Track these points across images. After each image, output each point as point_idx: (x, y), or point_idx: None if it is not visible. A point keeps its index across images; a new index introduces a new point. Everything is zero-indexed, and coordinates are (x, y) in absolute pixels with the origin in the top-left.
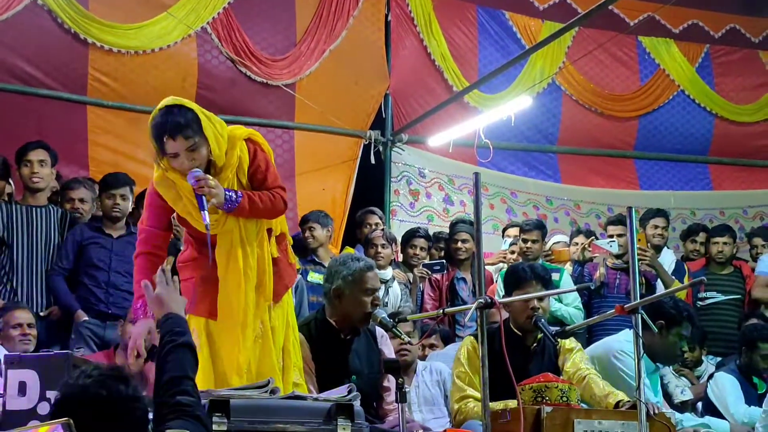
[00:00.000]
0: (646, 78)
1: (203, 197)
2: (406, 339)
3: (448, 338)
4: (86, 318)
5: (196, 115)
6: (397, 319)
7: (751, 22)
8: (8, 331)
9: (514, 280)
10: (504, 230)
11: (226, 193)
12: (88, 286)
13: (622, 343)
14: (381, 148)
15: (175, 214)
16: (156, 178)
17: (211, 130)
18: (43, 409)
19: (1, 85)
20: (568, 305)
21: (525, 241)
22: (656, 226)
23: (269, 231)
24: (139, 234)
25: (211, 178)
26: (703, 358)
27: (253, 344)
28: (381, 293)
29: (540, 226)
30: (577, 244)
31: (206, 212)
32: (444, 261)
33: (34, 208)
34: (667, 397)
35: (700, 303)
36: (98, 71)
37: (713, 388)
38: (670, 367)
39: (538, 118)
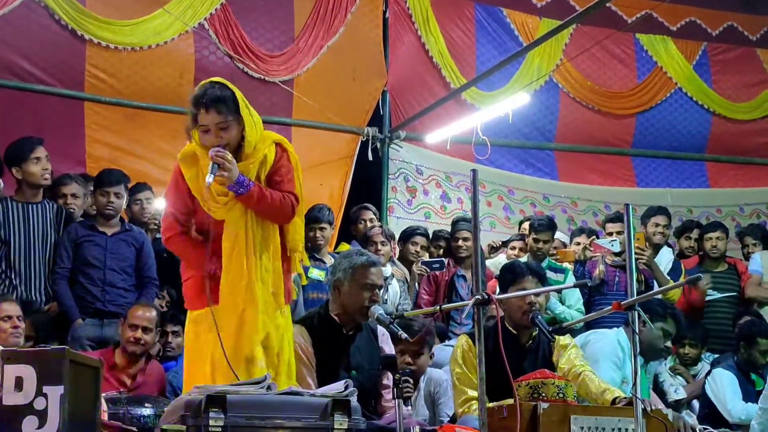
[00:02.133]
0: (643, 75)
1: (216, 165)
2: (403, 336)
3: (443, 335)
4: (83, 323)
5: (235, 96)
6: (394, 316)
7: (748, 20)
8: None
9: (510, 276)
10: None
11: (240, 176)
12: (84, 285)
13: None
14: (378, 145)
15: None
16: (182, 153)
17: (247, 114)
18: (40, 404)
19: None
20: (571, 307)
21: (536, 240)
22: (657, 224)
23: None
24: (164, 218)
25: (230, 156)
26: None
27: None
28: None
29: (551, 226)
30: (579, 243)
31: (213, 176)
32: (443, 259)
33: (30, 205)
34: (662, 395)
35: None
36: (95, 67)
37: (711, 385)
38: (666, 365)
39: (535, 115)
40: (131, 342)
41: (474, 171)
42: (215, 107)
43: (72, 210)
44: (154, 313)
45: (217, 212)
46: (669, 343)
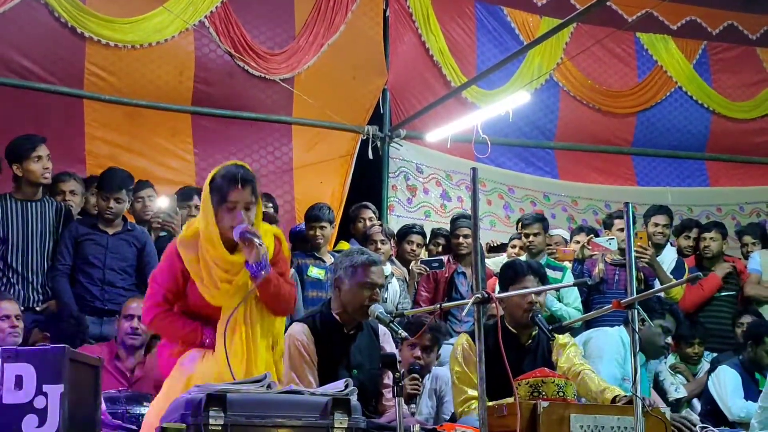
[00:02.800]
0: (643, 74)
1: (248, 233)
2: (403, 335)
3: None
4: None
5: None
6: (394, 315)
7: (749, 19)
8: None
9: (511, 275)
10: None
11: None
12: (83, 284)
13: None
14: (379, 144)
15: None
16: (181, 237)
17: (259, 203)
18: (40, 402)
19: None
20: (569, 305)
21: (527, 235)
22: (657, 224)
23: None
24: (150, 287)
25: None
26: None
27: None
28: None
29: (539, 219)
30: (578, 242)
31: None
32: (442, 258)
33: (29, 203)
34: (663, 393)
35: None
36: (95, 65)
37: (714, 382)
38: (666, 363)
39: (535, 114)
40: (128, 333)
41: (474, 169)
42: (250, 185)
43: (71, 207)
44: None
45: (216, 298)
46: (669, 340)
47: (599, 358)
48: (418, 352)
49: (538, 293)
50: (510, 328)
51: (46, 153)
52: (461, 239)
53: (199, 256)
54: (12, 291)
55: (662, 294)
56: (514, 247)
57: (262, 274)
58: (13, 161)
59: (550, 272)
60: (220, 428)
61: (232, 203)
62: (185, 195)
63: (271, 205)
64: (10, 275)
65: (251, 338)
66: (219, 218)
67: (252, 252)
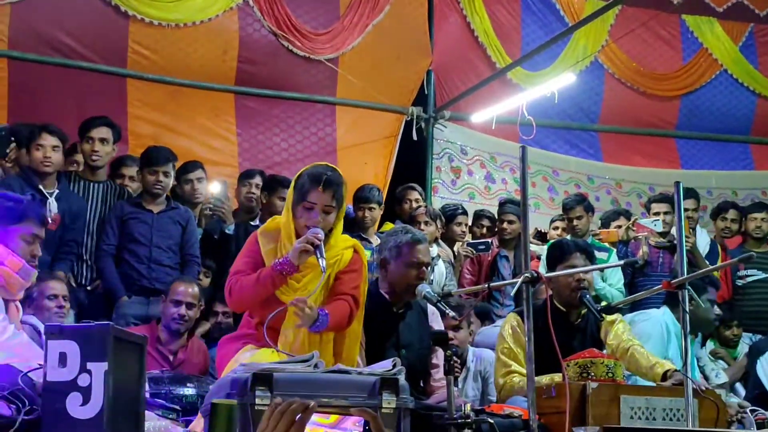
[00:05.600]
0: (688, 57)
1: (321, 248)
2: (451, 314)
3: (484, 315)
4: (128, 300)
5: (345, 188)
6: (441, 294)
7: None
8: (43, 301)
9: (558, 254)
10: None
11: (319, 315)
12: (130, 262)
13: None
14: (423, 125)
15: None
16: (263, 228)
17: (343, 209)
18: (84, 380)
19: (42, 58)
20: (612, 286)
21: (570, 219)
22: (686, 209)
23: None
24: (230, 282)
25: (310, 303)
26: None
27: None
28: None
29: (581, 201)
30: (619, 226)
31: (323, 259)
32: (489, 240)
33: (92, 183)
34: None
35: (741, 281)
36: (138, 44)
37: (762, 365)
38: (706, 349)
39: (580, 96)
40: (175, 319)
41: (523, 147)
42: (333, 189)
43: (129, 192)
44: (196, 288)
45: (285, 293)
46: (718, 310)
47: (645, 341)
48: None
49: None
50: (559, 306)
51: (99, 136)
52: (506, 225)
53: (277, 249)
54: (66, 268)
55: None
56: (556, 228)
57: (318, 328)
58: (18, 147)
59: (596, 253)
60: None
61: (309, 203)
62: (248, 174)
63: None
64: (66, 253)
65: (314, 337)
66: (296, 215)
67: (302, 319)
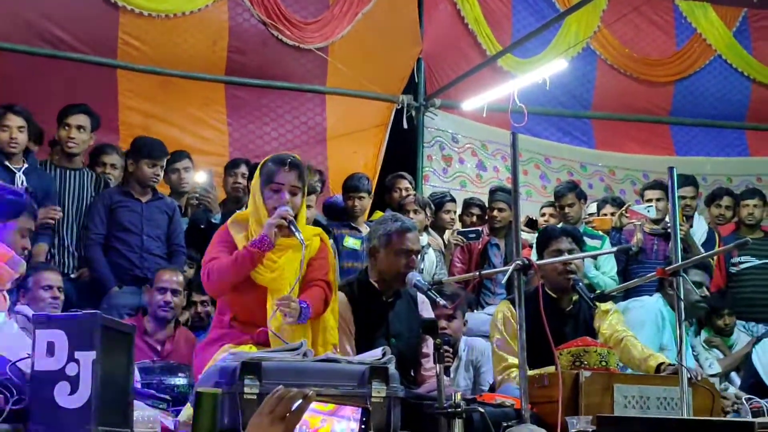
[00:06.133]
0: (682, 42)
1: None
2: (441, 302)
3: (473, 305)
4: (119, 290)
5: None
6: (432, 283)
7: None
8: (37, 292)
9: (544, 239)
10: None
11: (302, 308)
12: (120, 251)
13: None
14: (413, 113)
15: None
16: (232, 219)
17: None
18: (72, 369)
19: (32, 48)
20: (605, 274)
21: (561, 207)
22: (684, 197)
23: None
24: (205, 269)
25: (294, 303)
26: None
27: None
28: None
29: (572, 188)
30: (606, 214)
31: (299, 232)
32: (479, 229)
33: (68, 171)
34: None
35: (734, 269)
36: (128, 35)
37: (758, 353)
38: (701, 338)
39: (572, 83)
40: (161, 306)
41: (513, 134)
42: (297, 170)
43: (109, 180)
44: (181, 277)
45: (264, 275)
46: (706, 292)
47: (639, 328)
48: (442, 323)
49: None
50: (550, 293)
51: (76, 123)
52: (496, 212)
53: (248, 236)
54: (48, 241)
55: None
56: (543, 215)
57: (304, 320)
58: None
59: (588, 241)
60: (256, 397)
61: (277, 185)
62: (233, 164)
63: (317, 179)
64: (45, 228)
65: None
66: (265, 198)
67: (291, 315)
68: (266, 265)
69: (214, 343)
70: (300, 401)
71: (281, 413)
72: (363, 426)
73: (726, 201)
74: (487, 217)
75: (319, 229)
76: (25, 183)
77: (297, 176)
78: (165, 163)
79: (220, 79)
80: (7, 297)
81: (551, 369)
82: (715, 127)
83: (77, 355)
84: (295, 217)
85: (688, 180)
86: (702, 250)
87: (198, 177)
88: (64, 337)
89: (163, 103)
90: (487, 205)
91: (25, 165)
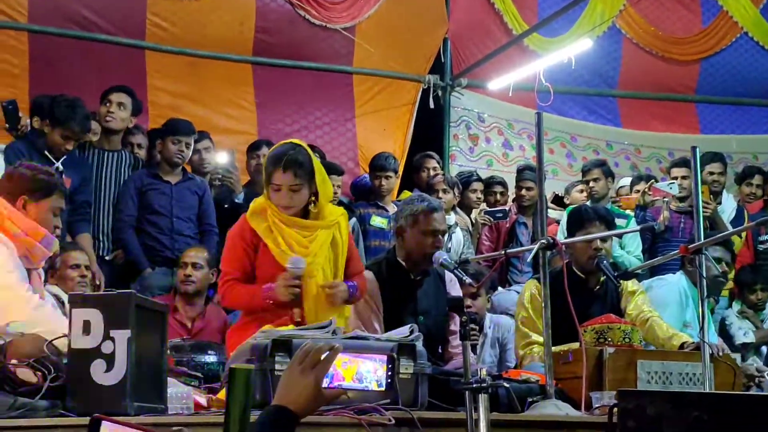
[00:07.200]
0: (708, 20)
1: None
2: (468, 281)
3: (498, 283)
4: (152, 272)
5: (312, 162)
6: (458, 262)
7: None
8: (65, 271)
9: (577, 220)
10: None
11: (348, 288)
12: (151, 234)
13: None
14: (440, 93)
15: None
16: (251, 211)
17: (320, 182)
18: (107, 347)
19: (61, 30)
20: (630, 253)
21: (587, 182)
22: (712, 173)
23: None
24: (222, 272)
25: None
26: None
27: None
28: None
29: (599, 164)
30: (638, 191)
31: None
32: (506, 208)
33: (106, 152)
34: (729, 339)
35: (762, 246)
36: (157, 16)
37: None
38: (733, 309)
39: (598, 61)
40: (183, 281)
41: (538, 114)
42: (292, 169)
43: (141, 160)
44: (205, 253)
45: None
46: (725, 267)
47: (663, 306)
48: (467, 301)
49: (603, 239)
50: (578, 272)
51: (117, 100)
52: (524, 191)
53: (270, 224)
54: (87, 229)
55: None
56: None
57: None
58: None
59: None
60: None
61: (275, 185)
62: (255, 146)
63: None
64: (83, 215)
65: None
66: (270, 194)
67: (339, 298)
68: (299, 252)
69: (247, 328)
70: (327, 352)
71: (310, 363)
72: (390, 372)
73: (757, 179)
74: (514, 196)
75: (341, 209)
76: (62, 169)
77: (293, 175)
78: (192, 142)
79: (248, 60)
80: (42, 275)
81: (575, 345)
82: (740, 104)
83: (113, 333)
84: (305, 207)
85: (716, 156)
86: (730, 227)
87: (219, 157)
88: (99, 316)
89: (191, 83)
90: (514, 183)
91: (64, 156)
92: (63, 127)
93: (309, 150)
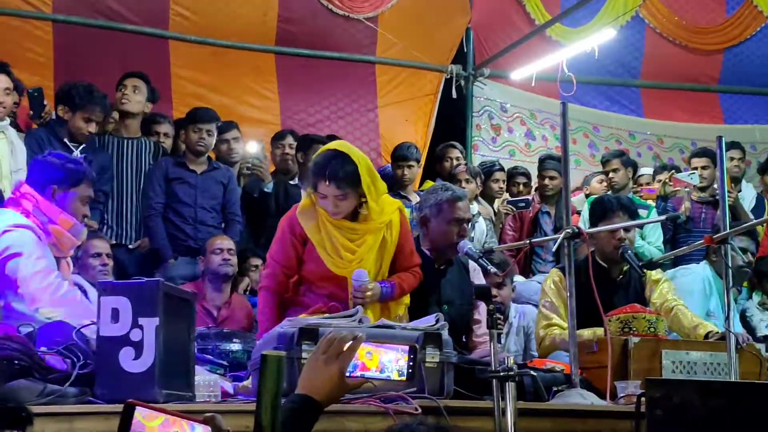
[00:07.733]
0: (732, 10)
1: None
2: (492, 270)
3: (522, 273)
4: (175, 262)
5: (357, 169)
6: (482, 251)
7: None
8: (87, 260)
9: (600, 211)
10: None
11: (383, 288)
12: (175, 223)
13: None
14: (462, 83)
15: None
16: (301, 206)
17: (369, 185)
18: (136, 335)
19: (85, 20)
20: (651, 243)
21: (606, 173)
22: (732, 158)
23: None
24: (267, 265)
25: (370, 287)
26: None
27: None
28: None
29: (618, 154)
30: (661, 180)
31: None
32: (529, 198)
33: (125, 140)
34: (750, 331)
35: None
36: (180, 5)
37: None
38: (754, 301)
39: (620, 51)
40: (221, 264)
41: (563, 104)
42: (335, 182)
43: (165, 149)
44: (231, 243)
45: (340, 267)
46: (750, 257)
47: (687, 295)
48: (494, 291)
49: (627, 229)
50: (601, 262)
51: (131, 84)
52: (547, 181)
53: (319, 223)
54: (107, 227)
55: None
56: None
57: (386, 299)
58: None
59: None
60: None
61: (321, 194)
62: (279, 135)
63: None
64: (104, 211)
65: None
66: (316, 200)
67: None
68: (345, 257)
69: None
70: (351, 342)
71: (334, 353)
72: (411, 363)
73: None
74: (537, 185)
75: (398, 203)
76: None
77: (336, 186)
78: (215, 129)
79: (271, 50)
80: (71, 264)
81: (599, 330)
82: (764, 95)
83: (141, 321)
84: (353, 212)
85: (733, 144)
86: (752, 217)
87: (249, 147)
88: (128, 304)
89: (214, 73)
90: (536, 173)
91: (83, 144)
92: (84, 109)
93: (352, 153)
